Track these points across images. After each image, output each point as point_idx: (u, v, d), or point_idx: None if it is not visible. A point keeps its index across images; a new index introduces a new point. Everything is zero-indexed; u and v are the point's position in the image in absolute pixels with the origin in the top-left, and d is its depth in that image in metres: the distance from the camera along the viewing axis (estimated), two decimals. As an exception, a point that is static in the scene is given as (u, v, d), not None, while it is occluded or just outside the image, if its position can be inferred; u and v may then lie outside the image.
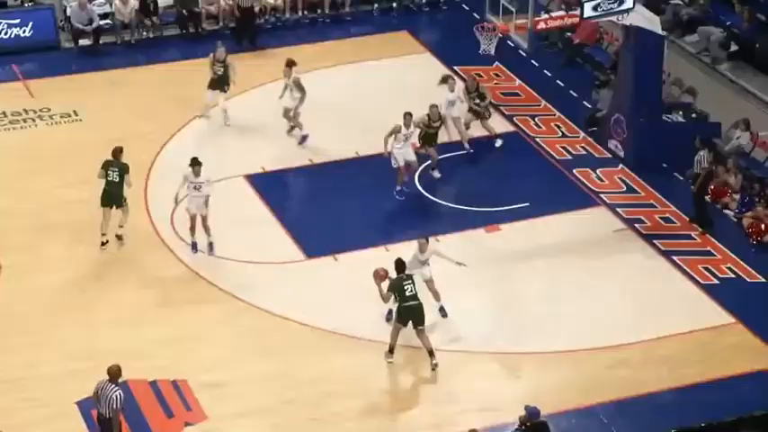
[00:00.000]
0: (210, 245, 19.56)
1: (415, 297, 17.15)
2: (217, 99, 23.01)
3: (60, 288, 18.90)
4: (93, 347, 17.42)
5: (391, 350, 17.44)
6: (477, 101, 22.39)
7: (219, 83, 22.94)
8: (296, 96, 22.16)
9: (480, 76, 25.18)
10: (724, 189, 21.18)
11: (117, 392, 14.92)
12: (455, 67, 25.44)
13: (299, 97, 22.13)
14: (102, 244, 19.74)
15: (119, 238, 19.97)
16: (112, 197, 19.77)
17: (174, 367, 17.22)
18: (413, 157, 20.96)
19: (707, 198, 20.72)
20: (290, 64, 22.22)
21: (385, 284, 17.27)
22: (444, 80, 22.40)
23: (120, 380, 15.04)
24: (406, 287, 17.13)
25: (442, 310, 18.27)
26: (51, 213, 20.64)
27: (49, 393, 16.05)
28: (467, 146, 22.35)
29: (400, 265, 17.39)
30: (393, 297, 17.16)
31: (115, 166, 19.80)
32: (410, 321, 17.19)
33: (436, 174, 21.57)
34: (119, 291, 18.88)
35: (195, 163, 19.29)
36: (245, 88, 24.45)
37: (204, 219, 19.47)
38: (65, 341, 17.66)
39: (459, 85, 22.75)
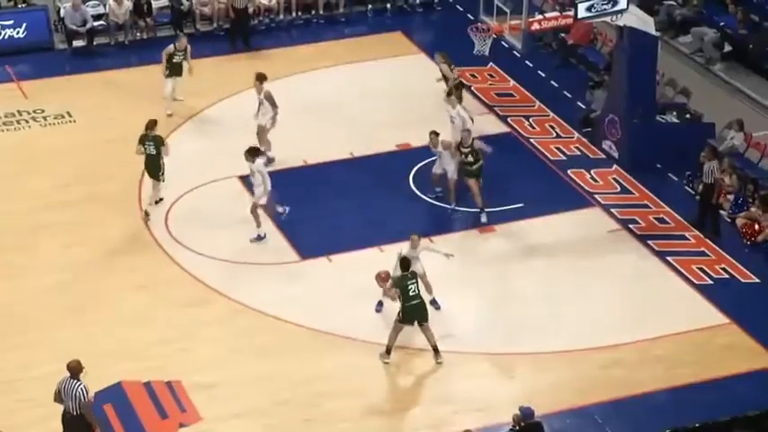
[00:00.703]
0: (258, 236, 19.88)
1: (417, 296, 17.21)
2: (173, 85, 23.35)
3: (54, 289, 18.87)
4: (87, 348, 17.35)
5: (388, 351, 17.45)
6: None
7: (178, 69, 23.30)
8: (266, 113, 21.38)
9: (475, 77, 25.24)
10: (719, 189, 21.16)
11: (81, 387, 14.92)
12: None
13: (272, 115, 21.42)
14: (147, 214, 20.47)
15: (146, 213, 20.28)
16: (149, 170, 20.37)
17: (168, 368, 17.20)
18: (449, 168, 20.36)
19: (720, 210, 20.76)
20: (261, 78, 21.56)
21: (389, 285, 17.33)
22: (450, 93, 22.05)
23: (81, 374, 15.00)
24: (409, 286, 17.17)
25: (434, 302, 18.29)
26: (45, 214, 20.62)
27: (44, 394, 15.98)
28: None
29: (405, 262, 17.42)
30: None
31: (150, 140, 20.23)
32: (415, 320, 17.23)
33: (483, 218, 20.53)
34: (113, 291, 18.86)
35: (247, 152, 19.65)
36: (239, 89, 24.44)
37: (255, 207, 19.77)
38: (60, 342, 17.62)
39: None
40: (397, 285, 17.21)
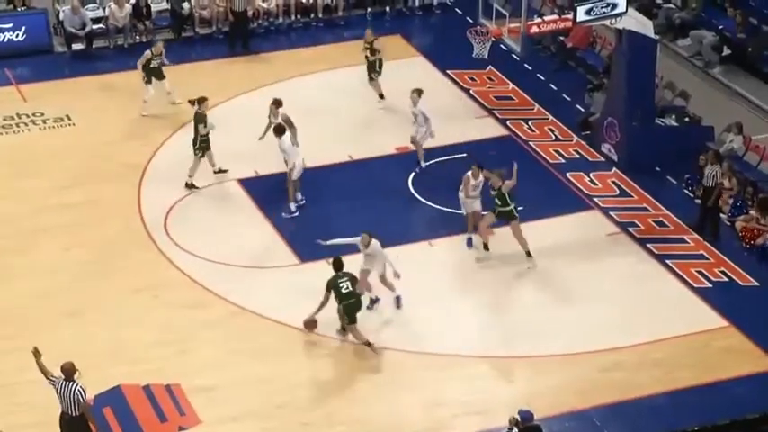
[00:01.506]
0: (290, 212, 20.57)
1: (352, 294, 17.39)
2: (153, 90, 23.42)
3: (53, 291, 18.87)
4: (85, 351, 17.34)
5: (368, 344, 17.56)
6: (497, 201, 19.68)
7: (159, 74, 23.36)
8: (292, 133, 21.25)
9: (474, 80, 25.25)
10: (719, 193, 21.14)
11: (78, 388, 14.94)
12: (448, 71, 25.49)
13: (292, 132, 21.32)
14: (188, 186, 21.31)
15: (187, 186, 21.14)
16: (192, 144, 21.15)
17: (167, 371, 17.19)
18: (479, 207, 19.98)
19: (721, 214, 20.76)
20: (278, 104, 21.40)
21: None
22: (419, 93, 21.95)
23: (75, 375, 15.01)
24: (341, 284, 17.35)
25: (397, 300, 18.44)
26: (44, 217, 20.62)
27: (42, 397, 15.98)
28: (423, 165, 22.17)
29: (337, 263, 17.63)
30: (333, 295, 17.47)
31: (193, 117, 21.07)
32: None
33: (528, 265, 19.63)
34: (112, 294, 18.85)
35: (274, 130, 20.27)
36: (238, 93, 24.46)
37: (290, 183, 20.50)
38: (58, 344, 17.55)
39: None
40: (329, 287, 17.40)
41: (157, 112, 23.58)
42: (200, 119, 21.14)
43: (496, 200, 19.34)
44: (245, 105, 24.19)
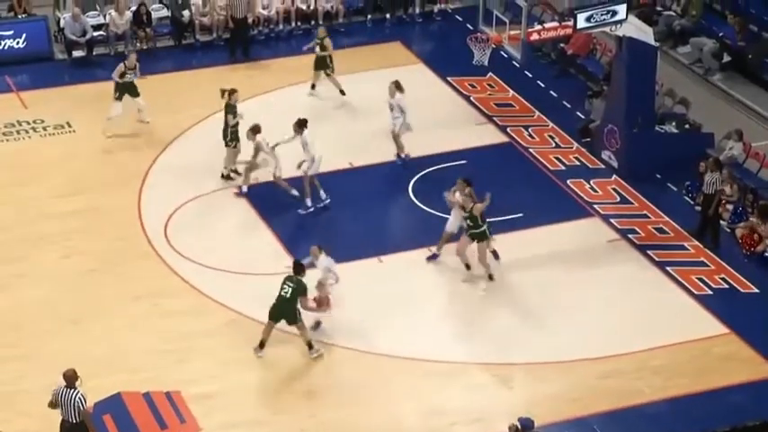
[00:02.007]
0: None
1: (279, 297, 17.46)
2: (121, 109, 23.04)
3: (52, 299, 18.86)
4: (85, 359, 17.33)
5: (310, 345, 17.65)
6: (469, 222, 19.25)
7: (132, 90, 23.08)
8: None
9: (474, 87, 25.26)
10: (719, 200, 21.13)
11: (78, 395, 14.92)
12: (449, 78, 25.50)
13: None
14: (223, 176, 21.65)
15: (223, 177, 21.43)
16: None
17: (166, 378, 17.19)
18: (453, 229, 19.75)
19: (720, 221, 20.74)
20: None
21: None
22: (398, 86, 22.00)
23: (77, 383, 15.00)
24: (283, 286, 17.48)
25: (317, 324, 18.22)
26: (44, 224, 20.62)
27: (41, 405, 15.97)
28: (403, 155, 22.28)
29: (295, 266, 17.71)
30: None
31: (223, 108, 21.38)
32: (273, 317, 17.62)
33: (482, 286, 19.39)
34: (111, 302, 18.85)
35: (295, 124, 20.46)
36: (239, 99, 24.45)
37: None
38: (56, 353, 17.60)
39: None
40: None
41: (155, 119, 23.56)
42: (229, 109, 21.30)
43: (468, 221, 19.00)
44: (246, 112, 24.17)
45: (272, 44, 27.05)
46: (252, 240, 20.39)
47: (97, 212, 20.90)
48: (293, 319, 17.59)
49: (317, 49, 24.34)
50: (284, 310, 17.55)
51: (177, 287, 19.20)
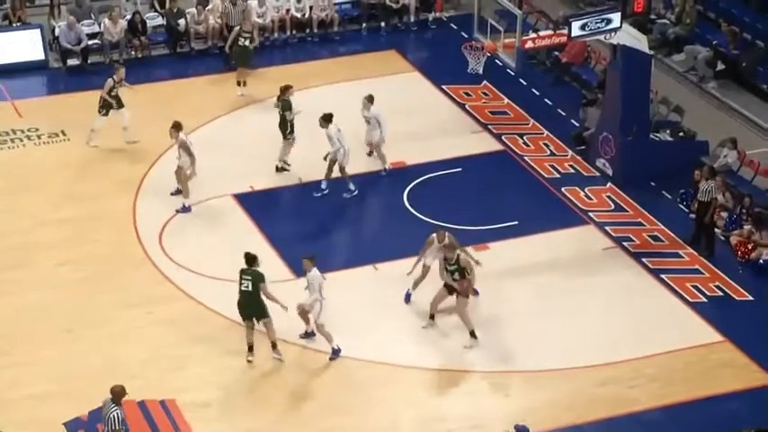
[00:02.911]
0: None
1: (240, 293, 17.46)
2: (123, 119, 22.91)
3: (46, 307, 18.84)
4: (79, 367, 17.37)
5: (249, 348, 17.70)
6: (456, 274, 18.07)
7: (119, 101, 22.90)
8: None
9: (469, 95, 25.29)
10: (714, 208, 21.14)
11: (116, 412, 14.93)
12: (444, 86, 25.53)
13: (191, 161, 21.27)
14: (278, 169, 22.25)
15: (278, 170, 21.95)
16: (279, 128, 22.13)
17: (161, 387, 17.17)
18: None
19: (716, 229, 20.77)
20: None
21: None
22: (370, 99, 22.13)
23: (123, 399, 15.02)
24: (241, 281, 17.51)
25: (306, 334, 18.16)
26: (39, 232, 20.61)
27: (35, 413, 15.97)
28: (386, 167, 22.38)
29: (247, 257, 17.69)
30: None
31: (279, 102, 22.15)
32: (244, 316, 17.67)
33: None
34: (106, 309, 18.82)
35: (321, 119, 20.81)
36: (234, 108, 24.49)
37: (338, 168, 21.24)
38: (51, 360, 17.60)
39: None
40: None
41: (151, 127, 23.54)
42: (286, 105, 21.88)
43: (456, 274, 17.79)
44: (241, 121, 24.23)
45: (267, 52, 27.05)
46: (246, 248, 20.28)
47: (92, 220, 20.88)
48: (262, 313, 17.53)
49: (246, 42, 24.95)
50: (251, 305, 17.50)
51: (172, 295, 19.18)
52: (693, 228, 20.62)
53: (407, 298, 19.00)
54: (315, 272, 17.68)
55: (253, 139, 23.26)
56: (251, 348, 17.68)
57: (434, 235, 18.60)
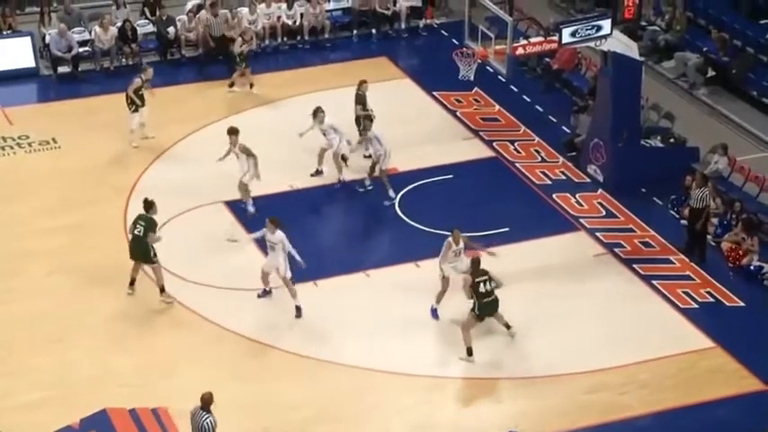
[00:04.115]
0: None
1: (133, 237, 18.59)
2: (138, 118, 23.26)
3: (38, 316, 18.79)
4: (71, 375, 17.34)
5: (162, 290, 18.74)
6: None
7: (143, 100, 23.23)
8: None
9: (460, 101, 25.32)
10: (707, 215, 21.15)
11: (209, 419, 14.98)
12: (435, 93, 25.56)
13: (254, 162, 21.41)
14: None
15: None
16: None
17: (153, 395, 17.13)
18: (454, 273, 18.70)
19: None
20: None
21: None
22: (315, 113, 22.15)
23: (212, 406, 15.09)
24: (136, 225, 18.63)
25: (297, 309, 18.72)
26: (30, 240, 20.57)
27: (28, 422, 15.94)
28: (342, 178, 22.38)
29: (145, 203, 18.71)
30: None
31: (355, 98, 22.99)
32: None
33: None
34: (96, 317, 18.79)
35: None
36: (224, 115, 24.48)
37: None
38: (43, 369, 17.55)
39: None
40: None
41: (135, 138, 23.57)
42: (358, 99, 22.62)
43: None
44: (237, 125, 24.21)
45: (258, 59, 27.01)
46: (237, 255, 20.34)
47: (83, 229, 20.85)
48: (148, 258, 18.62)
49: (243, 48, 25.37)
50: (139, 248, 18.57)
51: (162, 303, 19.14)
52: (687, 235, 20.63)
53: (434, 313, 18.81)
54: (279, 233, 18.36)
55: (247, 145, 23.21)
56: (132, 283, 18.90)
57: (450, 238, 18.53)
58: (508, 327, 18.28)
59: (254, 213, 21.00)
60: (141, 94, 23.24)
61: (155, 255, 18.70)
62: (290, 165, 22.53)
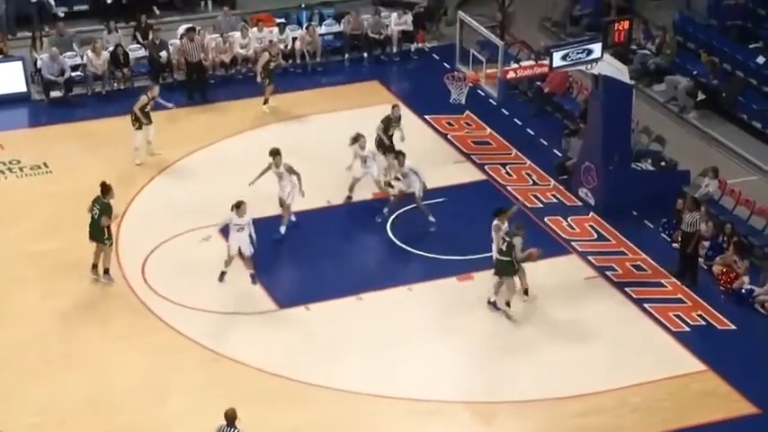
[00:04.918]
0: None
1: (90, 219, 19.67)
2: (141, 136, 23.47)
3: (30, 341, 18.74)
4: (63, 401, 17.27)
5: (106, 271, 19.94)
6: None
7: (148, 117, 23.46)
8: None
9: (451, 125, 25.38)
10: (698, 238, 21.18)
11: None
12: (426, 116, 25.61)
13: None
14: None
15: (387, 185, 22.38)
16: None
17: (146, 420, 17.07)
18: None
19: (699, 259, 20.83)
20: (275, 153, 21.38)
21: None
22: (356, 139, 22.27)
23: (237, 422, 15.21)
24: (93, 208, 19.63)
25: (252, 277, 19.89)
26: (21, 265, 20.52)
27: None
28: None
29: (102, 187, 19.78)
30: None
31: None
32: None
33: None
34: (89, 342, 18.74)
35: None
36: (214, 140, 24.51)
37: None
38: (35, 395, 17.48)
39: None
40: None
41: (133, 161, 23.57)
42: (388, 122, 22.92)
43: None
44: (221, 152, 24.24)
45: (250, 83, 27.04)
46: (230, 279, 20.30)
47: (74, 253, 20.78)
48: (100, 239, 19.69)
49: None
50: (95, 230, 19.63)
51: (155, 327, 19.11)
52: (678, 259, 20.66)
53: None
54: (247, 216, 19.57)
55: (233, 169, 23.23)
56: (94, 266, 19.89)
57: (496, 221, 19.61)
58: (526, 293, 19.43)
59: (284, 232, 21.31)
60: (147, 112, 23.38)
61: (107, 238, 19.81)
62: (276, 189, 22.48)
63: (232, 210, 19.74)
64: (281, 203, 21.35)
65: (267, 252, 21.08)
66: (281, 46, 27.80)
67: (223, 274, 20.10)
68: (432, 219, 21.67)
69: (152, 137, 23.67)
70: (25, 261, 20.64)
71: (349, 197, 22.43)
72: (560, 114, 25.89)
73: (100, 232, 19.74)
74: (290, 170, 21.21)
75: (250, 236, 19.79)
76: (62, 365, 18.23)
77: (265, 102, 25.73)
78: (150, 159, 23.67)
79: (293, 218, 21.55)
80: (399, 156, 21.59)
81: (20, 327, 19.05)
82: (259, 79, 25.56)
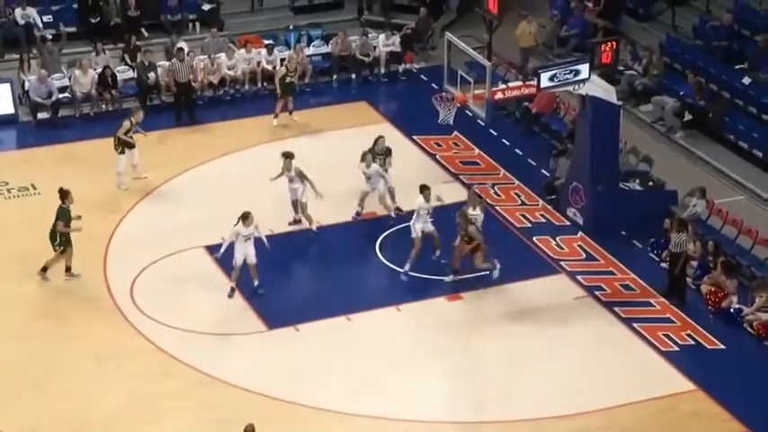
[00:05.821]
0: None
1: (53, 223, 20.16)
2: (126, 160, 23.41)
3: (15, 361, 18.65)
4: (48, 423, 17.18)
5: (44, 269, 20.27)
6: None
7: (131, 143, 23.40)
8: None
9: (440, 145, 25.42)
10: (686, 259, 21.21)
11: None
12: (414, 137, 25.64)
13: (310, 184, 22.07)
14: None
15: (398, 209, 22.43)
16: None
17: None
18: (431, 228, 20.93)
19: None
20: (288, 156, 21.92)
21: None
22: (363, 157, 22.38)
23: None
24: (56, 213, 20.23)
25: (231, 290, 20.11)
26: (8, 286, 20.45)
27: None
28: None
29: (60, 192, 20.36)
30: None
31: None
32: None
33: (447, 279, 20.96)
34: (75, 364, 18.66)
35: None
36: (203, 160, 24.49)
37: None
38: (19, 416, 17.40)
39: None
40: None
41: (124, 181, 23.54)
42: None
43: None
44: (211, 172, 24.22)
45: (238, 104, 27.09)
46: (219, 300, 20.27)
47: (62, 274, 20.73)
48: (53, 244, 20.23)
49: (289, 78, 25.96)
50: (53, 234, 20.23)
51: (143, 348, 19.04)
52: (667, 279, 20.69)
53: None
54: (253, 226, 20.02)
55: (223, 190, 23.23)
56: (67, 269, 20.44)
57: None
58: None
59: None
60: (131, 137, 23.33)
61: (59, 244, 20.32)
62: (270, 209, 22.47)
63: (238, 222, 19.83)
64: (295, 206, 21.75)
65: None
66: (270, 67, 27.83)
67: (233, 290, 20.17)
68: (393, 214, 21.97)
69: (137, 160, 23.56)
70: (11, 282, 20.56)
71: (359, 213, 22.63)
72: (548, 135, 25.95)
73: (53, 237, 20.30)
74: (301, 175, 21.54)
75: (259, 238, 20.04)
76: (48, 387, 18.14)
77: (275, 116, 25.93)
78: (136, 183, 23.61)
79: (314, 227, 21.83)
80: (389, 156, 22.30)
81: (6, 348, 18.96)
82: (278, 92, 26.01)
